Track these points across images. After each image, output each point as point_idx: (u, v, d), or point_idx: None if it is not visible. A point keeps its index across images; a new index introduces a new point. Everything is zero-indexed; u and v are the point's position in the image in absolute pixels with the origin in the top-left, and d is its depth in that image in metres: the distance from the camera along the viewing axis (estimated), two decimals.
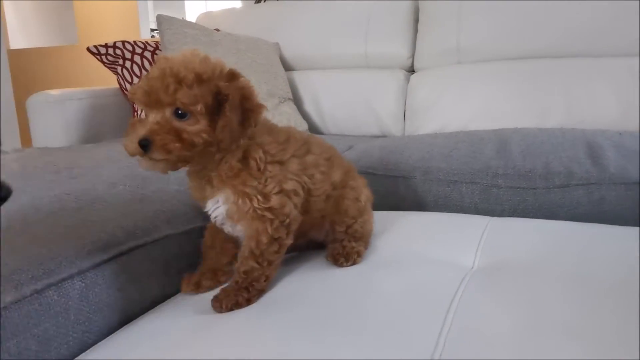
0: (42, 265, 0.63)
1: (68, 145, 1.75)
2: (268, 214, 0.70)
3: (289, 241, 0.73)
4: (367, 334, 0.59)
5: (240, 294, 0.69)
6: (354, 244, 0.80)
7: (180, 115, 0.64)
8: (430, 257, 0.81)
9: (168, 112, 0.64)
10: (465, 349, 0.55)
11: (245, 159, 0.69)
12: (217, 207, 0.72)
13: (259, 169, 0.70)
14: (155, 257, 0.78)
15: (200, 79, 0.64)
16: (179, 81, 0.63)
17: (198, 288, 0.76)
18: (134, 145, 0.63)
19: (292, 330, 0.61)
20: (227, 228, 0.74)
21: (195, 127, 0.64)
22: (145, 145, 0.63)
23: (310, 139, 0.81)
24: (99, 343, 0.67)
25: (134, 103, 1.92)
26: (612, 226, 0.91)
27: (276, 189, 0.70)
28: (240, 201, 0.69)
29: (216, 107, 0.65)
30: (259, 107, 0.68)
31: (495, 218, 0.97)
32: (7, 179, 0.52)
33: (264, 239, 0.70)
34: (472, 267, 0.78)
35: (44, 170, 1.05)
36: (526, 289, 0.68)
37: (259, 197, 0.69)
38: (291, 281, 0.76)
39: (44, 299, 0.60)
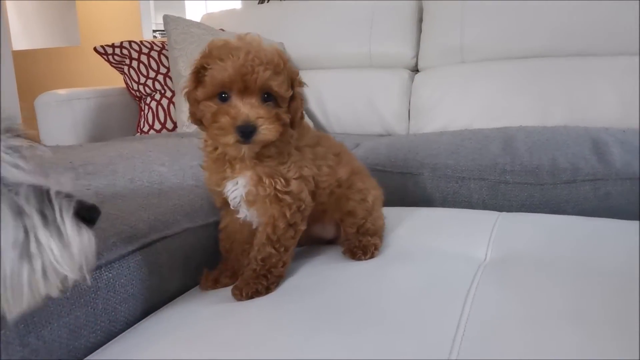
0: None
1: (77, 143, 1.77)
2: (287, 198, 0.72)
3: (303, 227, 0.76)
4: (387, 324, 0.60)
5: (260, 281, 0.71)
6: (369, 238, 0.82)
7: (266, 99, 0.67)
8: (443, 250, 0.83)
9: (258, 98, 0.67)
10: (483, 339, 0.57)
11: (280, 141, 0.72)
12: (236, 189, 0.74)
13: (288, 153, 0.73)
14: (175, 249, 0.79)
15: (284, 64, 0.68)
16: (273, 69, 0.66)
17: (216, 284, 0.78)
18: (230, 131, 0.65)
19: (311, 320, 0.63)
20: (243, 211, 0.76)
21: (282, 110, 0.69)
22: (250, 131, 0.65)
23: (320, 134, 0.84)
24: (124, 332, 0.68)
25: (140, 100, 1.94)
26: (618, 220, 0.93)
27: (297, 174, 0.73)
28: (267, 181, 0.71)
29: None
30: (301, 85, 0.74)
31: (504, 213, 0.99)
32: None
33: (281, 224, 0.72)
34: (485, 260, 0.80)
35: (59, 166, 1.06)
36: (538, 281, 0.70)
37: (282, 180, 0.72)
38: (308, 273, 0.77)
39: (74, 288, 0.62)
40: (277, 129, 0.67)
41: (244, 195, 0.74)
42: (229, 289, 0.74)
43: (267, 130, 0.66)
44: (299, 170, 0.74)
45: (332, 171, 0.80)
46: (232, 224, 0.80)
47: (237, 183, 0.73)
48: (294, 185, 0.73)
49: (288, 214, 0.72)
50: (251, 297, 0.70)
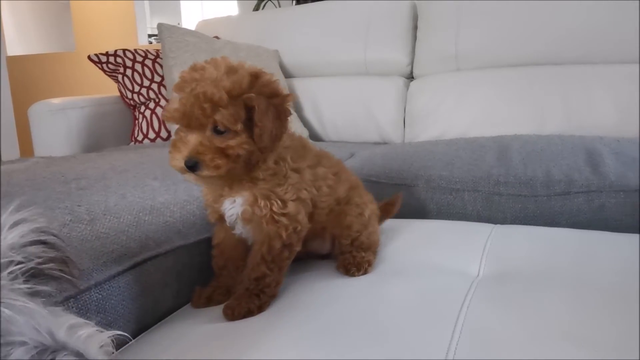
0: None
1: (71, 153, 1.76)
2: (284, 220, 0.72)
3: (298, 247, 0.76)
4: (381, 341, 0.60)
5: (252, 301, 0.70)
6: (363, 253, 0.82)
7: (219, 131, 0.67)
8: (437, 265, 0.83)
9: (208, 131, 0.67)
10: (476, 358, 0.57)
11: (276, 162, 0.73)
12: (233, 207, 0.74)
13: (284, 175, 0.72)
14: (168, 267, 0.79)
15: (231, 96, 0.66)
16: (215, 104, 0.65)
17: (209, 302, 0.78)
18: (180, 164, 0.67)
19: (306, 338, 0.62)
20: (238, 229, 0.76)
21: (236, 141, 0.67)
22: (193, 166, 0.66)
23: (321, 152, 0.83)
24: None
25: (134, 109, 1.93)
26: (614, 233, 0.93)
27: (294, 196, 0.73)
28: (262, 203, 0.71)
29: (249, 116, 0.68)
30: (287, 98, 0.71)
31: (498, 225, 0.99)
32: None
33: (277, 245, 0.72)
34: (478, 276, 0.80)
35: (52, 180, 1.06)
36: (531, 297, 0.70)
37: (279, 201, 0.71)
38: (303, 290, 0.77)
39: (64, 310, 0.61)
40: (224, 163, 0.67)
41: (240, 214, 0.74)
42: (221, 306, 0.73)
43: (207, 167, 0.66)
44: (296, 192, 0.73)
45: (331, 191, 0.81)
46: (227, 240, 0.79)
47: (234, 201, 0.74)
48: (291, 207, 0.72)
49: (284, 235, 0.72)
50: (243, 317, 0.70)
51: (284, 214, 0.72)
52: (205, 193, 0.78)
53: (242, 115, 0.67)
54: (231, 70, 0.69)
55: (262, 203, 0.71)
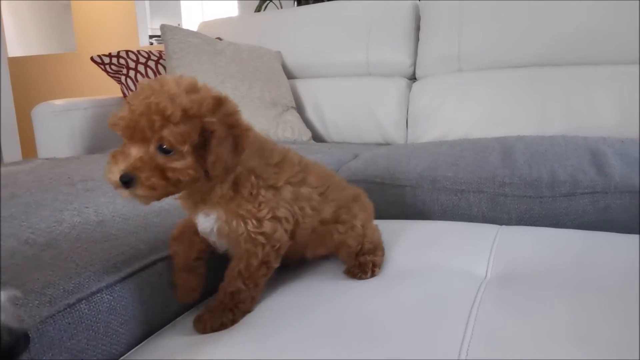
0: (72, 280, 0.64)
1: (75, 155, 1.77)
2: (261, 238, 0.70)
3: (277, 265, 0.73)
4: (389, 345, 0.61)
5: (225, 315, 0.69)
6: (368, 256, 0.81)
7: (165, 150, 0.61)
8: (444, 266, 0.83)
9: (152, 147, 0.61)
10: (488, 359, 0.57)
11: (236, 185, 0.68)
12: (207, 221, 0.71)
13: (251, 194, 0.69)
14: None
15: (187, 115, 0.61)
16: (166, 118, 0.60)
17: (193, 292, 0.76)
18: (115, 178, 0.61)
19: (313, 340, 0.63)
20: (212, 239, 0.73)
21: (181, 164, 0.62)
22: (127, 181, 0.61)
23: (308, 167, 0.78)
24: (126, 355, 0.68)
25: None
26: (619, 234, 0.93)
27: (269, 215, 0.70)
28: (234, 223, 0.69)
29: (203, 141, 0.63)
30: (247, 132, 0.66)
31: (504, 227, 0.99)
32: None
33: (254, 262, 0.70)
34: (486, 277, 0.80)
35: (58, 182, 1.06)
36: (540, 298, 0.70)
37: (253, 221, 0.69)
38: (309, 292, 0.77)
39: (76, 312, 0.62)
40: (161, 185, 0.61)
41: (214, 229, 0.71)
42: None
43: (141, 186, 0.61)
44: (272, 210, 0.70)
45: (315, 213, 0.77)
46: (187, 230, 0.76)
47: (208, 215, 0.70)
48: (267, 227, 0.69)
49: (261, 254, 0.70)
50: (216, 330, 0.68)
51: (260, 233, 0.69)
52: (180, 198, 0.73)
53: (194, 138, 0.62)
54: (193, 89, 0.64)
55: (233, 222, 0.69)
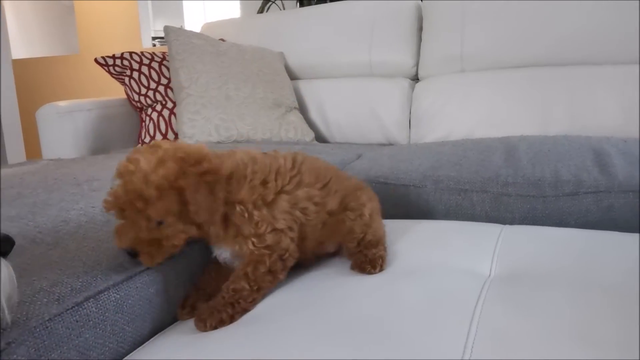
0: (79, 279, 0.65)
1: (79, 156, 1.77)
2: (266, 252, 0.74)
3: (282, 277, 0.76)
4: (393, 342, 0.61)
5: (225, 309, 0.70)
6: (373, 250, 0.82)
7: (157, 221, 0.69)
8: (448, 265, 0.83)
9: (144, 224, 0.68)
10: (492, 358, 0.57)
11: (227, 219, 0.73)
12: (223, 254, 0.78)
13: (244, 217, 0.73)
14: (182, 268, 0.80)
15: (162, 190, 0.67)
16: (146, 201, 0.66)
17: (194, 311, 0.76)
18: (124, 248, 0.69)
19: (317, 338, 0.63)
20: (236, 264, 0.78)
21: (172, 230, 0.70)
22: (132, 255, 0.69)
23: (302, 167, 0.81)
24: (132, 353, 0.69)
25: (141, 111, 1.95)
26: (622, 233, 0.93)
27: (269, 229, 0.74)
28: (237, 247, 0.74)
29: (184, 201, 0.68)
30: (219, 173, 0.71)
31: (507, 226, 1.00)
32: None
33: (262, 268, 0.73)
34: (490, 276, 0.81)
35: (64, 182, 1.07)
36: (545, 297, 0.70)
37: (254, 239, 0.73)
38: (313, 290, 0.77)
39: (83, 310, 0.62)
40: (160, 254, 0.70)
41: (230, 256, 0.77)
42: None
43: (144, 259, 0.70)
44: (269, 224, 0.74)
45: (320, 207, 0.80)
46: None
47: (220, 248, 0.78)
48: (269, 239, 0.74)
49: (268, 262, 0.73)
50: (215, 328, 0.69)
51: (264, 247, 0.73)
52: None
53: (175, 206, 0.68)
54: (161, 161, 0.68)
55: (237, 247, 0.74)
